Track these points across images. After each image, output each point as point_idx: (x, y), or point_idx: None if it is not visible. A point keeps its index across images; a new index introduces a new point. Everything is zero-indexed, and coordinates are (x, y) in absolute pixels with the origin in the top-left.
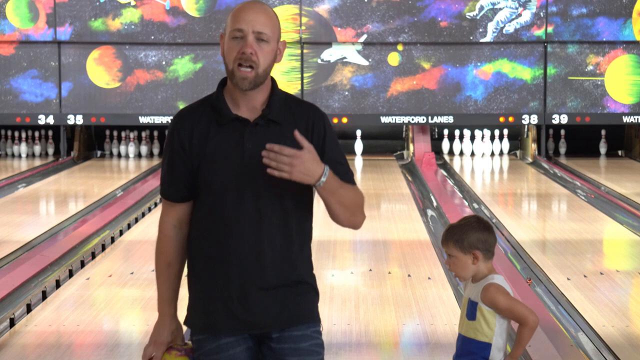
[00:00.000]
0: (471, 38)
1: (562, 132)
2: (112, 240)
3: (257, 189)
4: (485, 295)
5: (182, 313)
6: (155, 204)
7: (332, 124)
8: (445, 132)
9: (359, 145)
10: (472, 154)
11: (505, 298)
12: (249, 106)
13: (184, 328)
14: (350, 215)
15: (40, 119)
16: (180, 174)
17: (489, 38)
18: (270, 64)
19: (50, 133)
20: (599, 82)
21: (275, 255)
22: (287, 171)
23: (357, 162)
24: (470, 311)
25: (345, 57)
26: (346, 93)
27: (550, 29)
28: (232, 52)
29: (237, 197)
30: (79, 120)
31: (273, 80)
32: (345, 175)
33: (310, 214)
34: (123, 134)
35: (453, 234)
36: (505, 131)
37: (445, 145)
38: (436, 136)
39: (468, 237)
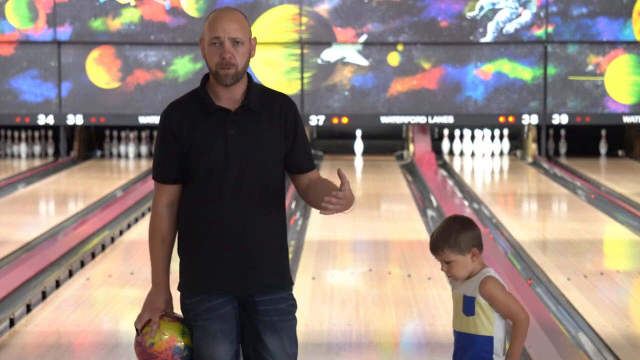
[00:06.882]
0: (471, 38)
1: (562, 132)
2: (112, 240)
3: (238, 169)
4: (483, 289)
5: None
6: None
7: (332, 123)
8: (445, 132)
9: (359, 145)
10: (472, 154)
11: (503, 293)
12: (230, 98)
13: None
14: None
15: (40, 119)
16: (172, 159)
17: (489, 38)
18: (247, 60)
19: (50, 133)
20: (599, 82)
21: (255, 228)
22: (340, 208)
23: (357, 162)
24: (468, 307)
25: (345, 57)
26: (346, 93)
27: (550, 29)
28: (213, 57)
29: (222, 177)
30: (79, 120)
31: (248, 75)
32: (312, 161)
33: (283, 187)
34: (123, 134)
35: (445, 240)
36: (505, 131)
37: (445, 145)
38: (436, 136)
39: (463, 238)
